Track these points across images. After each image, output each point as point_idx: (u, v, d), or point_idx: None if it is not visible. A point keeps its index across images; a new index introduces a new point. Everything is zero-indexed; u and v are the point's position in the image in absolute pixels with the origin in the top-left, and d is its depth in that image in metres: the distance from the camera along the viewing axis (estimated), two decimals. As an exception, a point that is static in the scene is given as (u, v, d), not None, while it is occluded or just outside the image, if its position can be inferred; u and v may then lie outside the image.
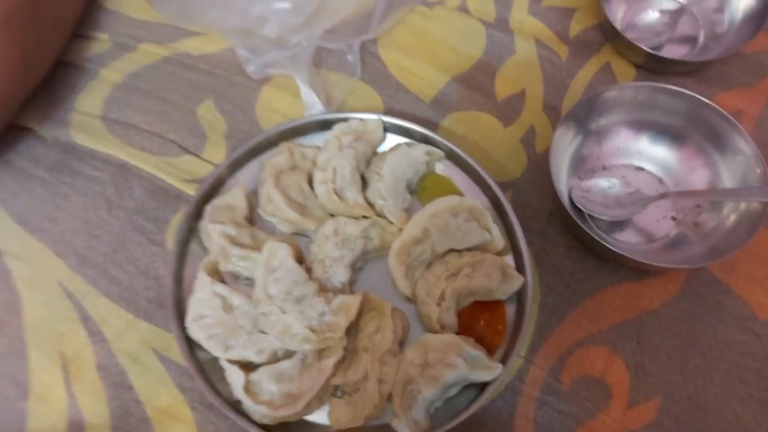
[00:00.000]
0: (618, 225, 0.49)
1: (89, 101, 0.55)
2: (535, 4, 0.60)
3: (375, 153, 0.48)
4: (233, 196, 0.45)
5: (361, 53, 0.56)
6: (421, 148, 0.46)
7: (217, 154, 0.52)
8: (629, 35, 0.57)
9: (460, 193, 0.47)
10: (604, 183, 0.49)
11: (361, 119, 0.48)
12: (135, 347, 0.45)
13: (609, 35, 0.57)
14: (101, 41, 0.58)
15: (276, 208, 0.43)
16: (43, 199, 0.50)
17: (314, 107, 0.52)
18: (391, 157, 0.45)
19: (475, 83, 0.56)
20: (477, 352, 0.38)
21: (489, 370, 0.38)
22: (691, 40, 0.59)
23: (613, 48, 0.57)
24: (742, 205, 0.45)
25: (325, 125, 0.48)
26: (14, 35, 0.47)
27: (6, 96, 0.48)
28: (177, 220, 0.49)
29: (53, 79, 0.56)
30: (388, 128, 0.49)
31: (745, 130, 0.52)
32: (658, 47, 0.57)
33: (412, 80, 0.56)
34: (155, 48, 0.57)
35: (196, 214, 0.45)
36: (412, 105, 0.55)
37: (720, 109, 0.47)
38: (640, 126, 0.51)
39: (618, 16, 0.59)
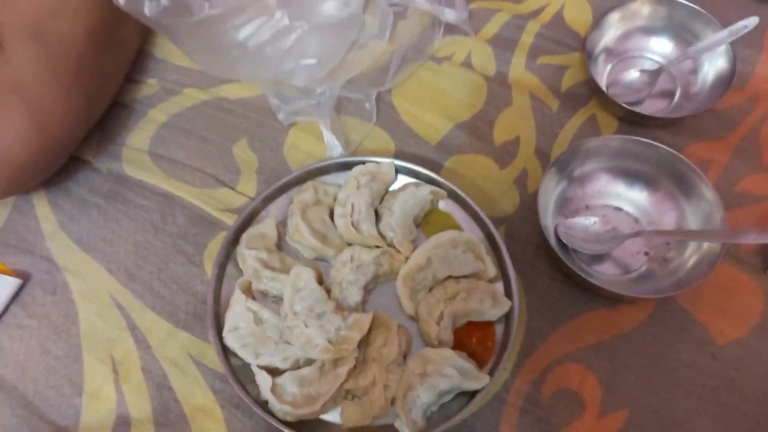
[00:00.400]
0: (598, 258, 0.56)
1: (138, 138, 0.63)
2: (531, 62, 0.68)
3: (387, 191, 0.56)
4: (265, 226, 0.52)
5: (376, 101, 0.64)
6: (427, 188, 0.54)
7: (249, 187, 0.60)
8: (613, 91, 0.64)
9: (459, 228, 0.54)
10: (585, 221, 0.56)
11: (377, 162, 0.55)
12: (175, 353, 0.52)
13: (595, 91, 0.64)
14: (150, 85, 0.67)
15: (302, 237, 0.51)
16: (98, 223, 0.58)
17: (335, 149, 0.60)
18: (401, 195, 0.53)
19: (476, 130, 0.63)
20: (468, 365, 0.45)
21: (478, 381, 0.45)
22: (669, 94, 0.66)
23: (598, 102, 0.64)
24: (704, 245, 0.51)
25: (346, 166, 0.56)
26: (81, 82, 0.55)
27: (71, 134, 0.55)
28: (213, 245, 0.57)
29: (108, 117, 0.64)
30: (399, 170, 0.56)
31: (712, 177, 0.59)
32: (638, 102, 0.65)
33: (421, 126, 0.64)
34: (197, 93, 0.66)
35: (234, 241, 0.52)
36: (420, 148, 0.63)
37: (687, 160, 0.54)
38: (618, 172, 0.58)
39: (603, 74, 0.66)
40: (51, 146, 0.52)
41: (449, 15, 0.65)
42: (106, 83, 0.60)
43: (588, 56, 0.64)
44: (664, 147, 0.54)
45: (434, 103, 0.65)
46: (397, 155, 0.61)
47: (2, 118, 0.48)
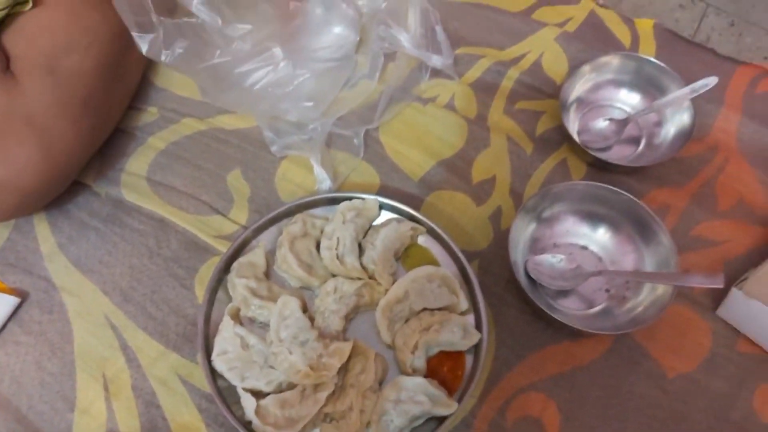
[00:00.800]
0: (564, 293, 0.60)
1: (137, 164, 0.67)
2: (510, 106, 0.72)
3: (371, 226, 0.60)
4: (255, 255, 0.56)
5: (364, 138, 0.68)
6: (408, 225, 0.58)
7: (241, 215, 0.64)
8: (583, 138, 0.69)
9: (436, 263, 0.58)
10: (552, 259, 0.61)
11: (362, 198, 0.59)
12: (164, 373, 0.55)
13: (566, 137, 0.69)
14: (150, 113, 0.70)
15: (289, 267, 0.55)
16: (96, 245, 0.61)
17: (324, 182, 0.64)
18: (383, 231, 0.57)
19: (456, 168, 0.68)
20: (439, 393, 0.49)
21: (447, 407, 0.49)
22: (635, 141, 0.71)
23: (569, 148, 0.69)
24: (659, 286, 0.56)
25: (333, 201, 0.60)
26: (88, 114, 0.58)
27: (76, 161, 0.59)
28: (205, 269, 0.60)
29: (109, 143, 0.67)
30: (383, 206, 0.60)
31: (670, 222, 0.64)
32: (607, 148, 0.70)
33: (405, 162, 0.68)
34: (195, 122, 0.70)
35: (225, 269, 0.56)
36: (403, 183, 0.67)
37: (647, 207, 0.58)
38: (584, 215, 0.62)
39: (575, 122, 0.71)
40: (57, 173, 0.56)
41: (436, 60, 0.70)
42: (110, 113, 0.64)
43: (561, 104, 0.69)
44: (626, 194, 0.59)
45: (418, 141, 0.69)
46: (381, 189, 0.66)
47: (14, 147, 0.51)
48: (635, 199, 0.59)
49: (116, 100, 0.64)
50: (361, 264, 0.56)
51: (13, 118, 0.52)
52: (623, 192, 0.59)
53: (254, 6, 0.64)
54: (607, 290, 0.60)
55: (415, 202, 0.65)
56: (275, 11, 0.67)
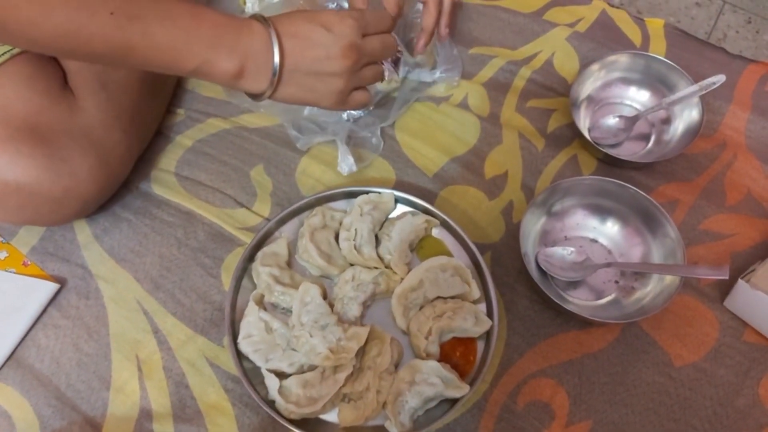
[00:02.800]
0: (573, 284, 0.62)
1: (166, 161, 0.70)
2: (521, 104, 0.75)
3: (387, 218, 0.63)
4: (278, 245, 0.59)
5: (381, 135, 0.71)
6: (422, 218, 0.61)
7: (264, 208, 0.67)
8: (593, 134, 0.71)
9: (449, 254, 0.60)
10: (563, 251, 0.63)
11: (379, 192, 0.62)
12: (192, 355, 0.59)
13: (577, 133, 0.71)
14: (178, 114, 0.74)
15: (310, 257, 0.58)
16: (128, 236, 0.65)
17: (346, 161, 0.66)
18: (398, 223, 0.60)
19: (469, 164, 0.70)
20: (452, 376, 0.52)
21: (459, 390, 0.51)
22: (645, 137, 0.73)
23: (580, 144, 0.71)
24: (666, 277, 0.58)
25: (351, 195, 0.63)
26: (135, 124, 0.63)
27: (127, 168, 0.64)
28: (230, 259, 0.63)
29: (141, 143, 0.71)
30: (398, 200, 0.63)
31: (678, 216, 0.66)
32: (617, 145, 0.72)
33: (419, 158, 0.71)
34: (220, 122, 0.73)
35: (250, 258, 0.59)
36: (418, 178, 0.69)
37: (654, 201, 0.60)
38: (593, 209, 0.64)
39: (585, 119, 0.73)
40: (112, 180, 0.61)
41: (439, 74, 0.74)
42: (152, 121, 0.69)
43: (572, 102, 0.71)
44: (633, 188, 0.61)
45: (432, 138, 0.72)
46: (397, 184, 0.68)
47: (78, 159, 0.55)
48: (642, 192, 0.61)
49: (156, 109, 0.69)
50: (378, 254, 0.59)
51: (75, 133, 0.56)
52: (630, 186, 0.61)
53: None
54: (616, 281, 0.62)
55: (429, 196, 0.68)
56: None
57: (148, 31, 0.44)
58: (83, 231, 0.65)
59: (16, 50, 0.55)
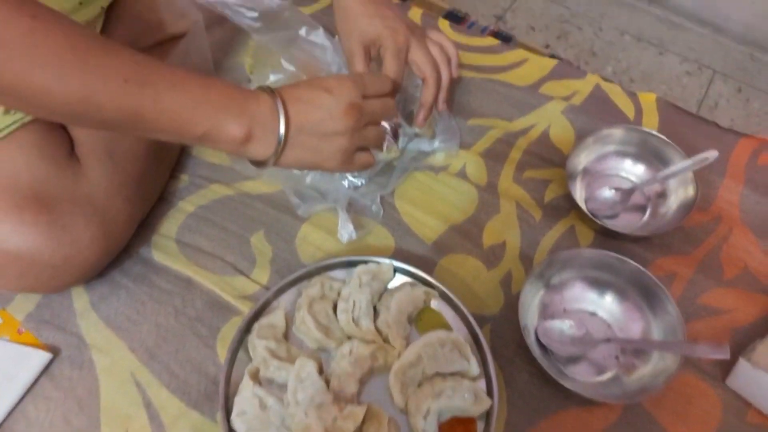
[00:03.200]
0: (574, 358, 0.62)
1: (168, 226, 0.71)
2: (518, 175, 0.76)
3: (386, 289, 0.63)
4: (276, 317, 0.59)
5: (380, 203, 0.72)
6: (421, 289, 0.61)
7: (263, 275, 0.67)
8: (590, 206, 0.73)
9: (448, 327, 0.60)
10: (562, 325, 0.62)
11: (378, 262, 0.62)
12: None
13: (573, 204, 0.72)
14: (182, 180, 0.75)
15: (307, 329, 0.57)
16: (126, 303, 0.65)
17: (347, 228, 0.67)
18: (397, 294, 0.60)
19: (467, 233, 0.71)
20: (451, 458, 0.50)
21: (459, 474, 0.50)
22: (641, 208, 0.74)
23: (577, 215, 0.72)
24: (667, 354, 0.57)
25: (350, 264, 0.63)
26: (140, 192, 0.64)
27: (129, 235, 0.64)
28: (226, 329, 0.63)
29: (143, 207, 0.72)
30: (397, 269, 0.63)
31: (677, 290, 0.66)
32: (613, 216, 0.73)
33: (418, 226, 0.72)
34: (223, 188, 0.74)
35: (246, 329, 0.58)
36: (417, 246, 0.70)
37: (654, 277, 0.60)
38: (592, 282, 0.64)
39: (581, 190, 0.75)
40: (113, 247, 0.61)
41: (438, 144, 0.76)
42: (156, 187, 0.70)
43: (568, 174, 0.72)
44: (632, 262, 0.62)
45: (431, 207, 0.73)
46: (396, 252, 0.69)
47: (79, 227, 0.56)
48: (642, 268, 0.61)
49: (161, 177, 0.71)
50: (376, 327, 0.59)
51: (79, 201, 0.57)
52: (630, 261, 0.62)
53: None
54: (617, 357, 0.61)
55: (428, 264, 0.68)
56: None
57: (158, 97, 0.45)
58: (81, 298, 0.65)
59: (27, 118, 0.57)
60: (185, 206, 0.73)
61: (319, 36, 0.72)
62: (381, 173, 0.75)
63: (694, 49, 1.12)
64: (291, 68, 0.72)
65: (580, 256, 0.64)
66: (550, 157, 0.78)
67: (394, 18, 0.64)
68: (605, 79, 0.87)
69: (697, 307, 0.65)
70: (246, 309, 0.64)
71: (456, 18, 0.97)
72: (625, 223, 0.73)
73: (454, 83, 0.82)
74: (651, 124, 0.81)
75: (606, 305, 0.64)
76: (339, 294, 0.61)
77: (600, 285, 0.64)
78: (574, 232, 0.71)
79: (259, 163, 0.54)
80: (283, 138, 0.51)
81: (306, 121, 0.52)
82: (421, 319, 0.61)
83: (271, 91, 0.52)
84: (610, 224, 0.70)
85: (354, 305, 0.59)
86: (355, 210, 0.72)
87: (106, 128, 0.49)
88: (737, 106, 1.05)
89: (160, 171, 0.70)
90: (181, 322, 0.63)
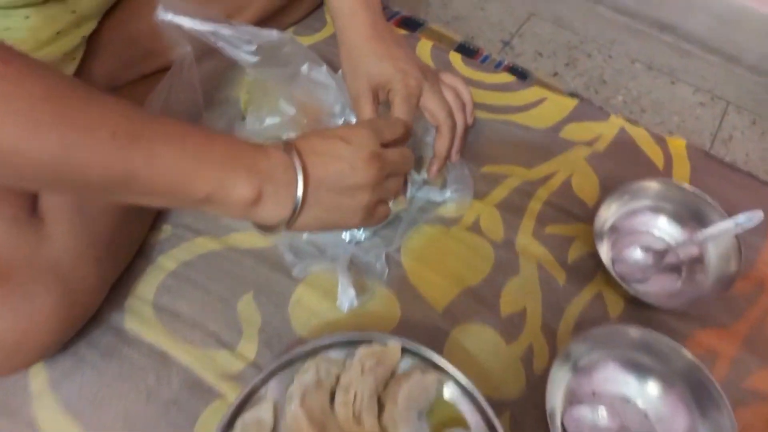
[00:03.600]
0: (606, 454, 0.54)
1: (144, 287, 0.62)
2: (539, 230, 0.68)
3: (393, 374, 0.54)
4: (263, 410, 0.50)
5: (386, 261, 0.64)
6: (433, 376, 0.53)
7: (250, 349, 0.58)
8: (618, 268, 0.65)
9: (463, 422, 0.52)
10: (593, 414, 0.54)
11: (383, 343, 0.54)
12: None
13: (600, 264, 0.64)
14: (163, 231, 0.66)
15: (299, 429, 0.49)
16: (91, 382, 0.56)
17: (347, 293, 0.59)
18: (406, 385, 0.51)
19: (483, 298, 0.63)
20: None
21: None
22: (675, 269, 0.66)
23: (604, 279, 0.65)
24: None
25: (351, 343, 0.55)
26: (111, 252, 0.56)
27: (98, 300, 0.56)
28: (205, 416, 0.54)
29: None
30: (405, 348, 0.55)
31: (720, 371, 0.58)
32: (644, 280, 0.65)
33: (428, 288, 0.63)
34: (209, 241, 0.65)
35: (229, 423, 0.50)
36: (426, 314, 0.62)
37: (709, 375, 0.52)
38: (627, 363, 0.57)
39: (609, 250, 0.67)
40: (79, 316, 0.53)
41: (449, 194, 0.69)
42: (131, 245, 0.62)
43: (595, 231, 0.64)
44: (686, 351, 0.53)
45: (442, 266, 0.65)
46: (402, 323, 0.61)
47: (39, 298, 0.48)
48: (698, 362, 0.53)
49: (138, 232, 0.62)
50: (380, 422, 0.50)
51: (41, 266, 0.49)
52: (681, 347, 0.54)
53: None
54: (656, 455, 0.53)
55: (439, 336, 0.60)
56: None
57: (153, 153, 0.37)
58: (38, 376, 0.56)
59: None
60: (166, 262, 0.64)
61: (322, 74, 0.65)
62: (386, 225, 0.67)
63: (707, 78, 1.07)
64: (290, 110, 0.65)
65: (616, 333, 0.56)
66: (573, 210, 0.70)
67: (406, 59, 0.57)
68: (630, 122, 0.80)
69: (743, 392, 0.58)
70: (229, 391, 0.55)
71: (468, 51, 0.89)
72: (659, 288, 0.65)
73: (468, 129, 0.75)
74: (682, 173, 0.74)
75: (642, 392, 0.56)
76: (337, 380, 0.52)
77: (639, 368, 0.56)
78: (603, 299, 0.64)
79: (268, 228, 0.46)
80: (301, 198, 0.43)
81: (325, 175, 0.45)
82: (432, 411, 0.53)
83: (284, 144, 0.44)
84: (643, 293, 0.62)
85: (355, 397, 0.50)
86: (356, 268, 0.64)
87: (88, 193, 0.40)
88: (752, 139, 0.99)
89: (137, 226, 0.62)
90: (154, 406, 0.55)
